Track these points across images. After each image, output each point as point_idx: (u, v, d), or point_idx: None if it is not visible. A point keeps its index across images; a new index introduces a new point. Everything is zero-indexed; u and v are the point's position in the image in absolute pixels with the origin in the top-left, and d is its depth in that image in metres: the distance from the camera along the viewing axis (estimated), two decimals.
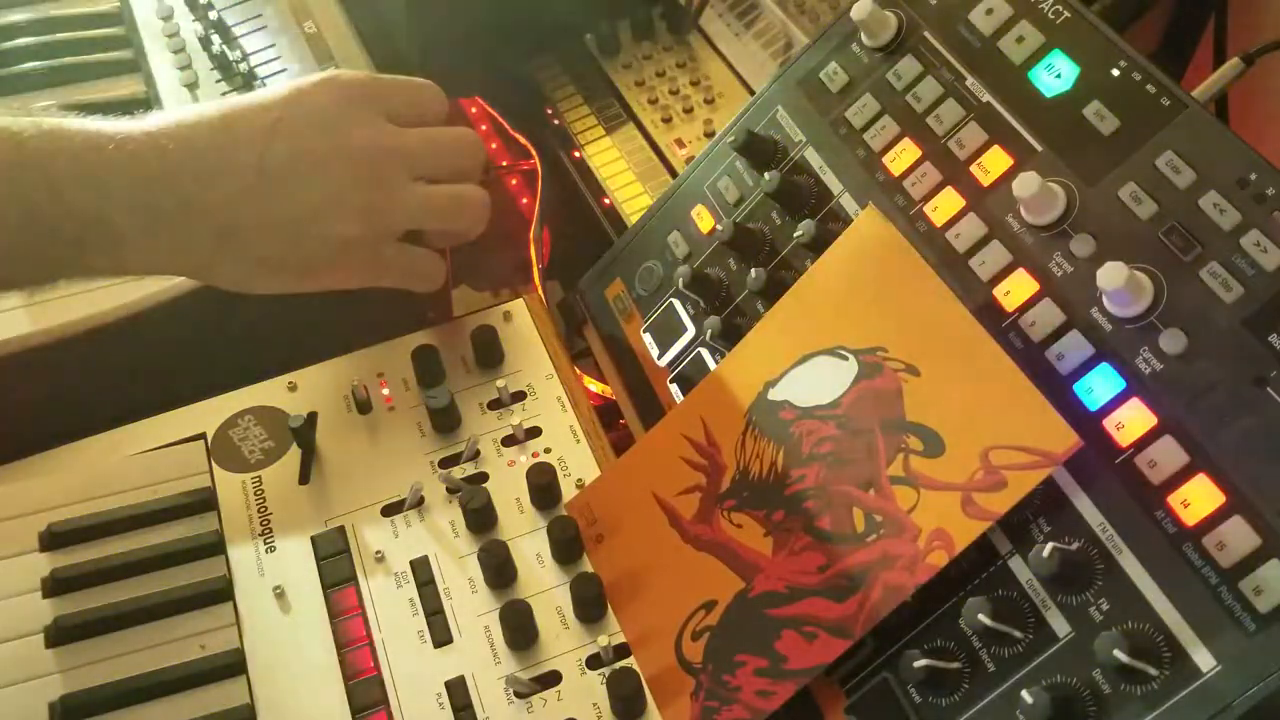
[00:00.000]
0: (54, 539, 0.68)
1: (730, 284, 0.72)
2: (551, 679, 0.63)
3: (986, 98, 0.65)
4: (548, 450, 0.72)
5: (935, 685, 0.55)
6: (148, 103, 0.90)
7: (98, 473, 0.72)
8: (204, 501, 0.70)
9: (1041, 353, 0.58)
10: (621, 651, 0.64)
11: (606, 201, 0.92)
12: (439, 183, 0.71)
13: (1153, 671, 0.49)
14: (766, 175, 0.70)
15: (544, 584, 0.66)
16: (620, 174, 0.93)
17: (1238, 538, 0.49)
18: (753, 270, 0.70)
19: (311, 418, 0.73)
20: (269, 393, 0.75)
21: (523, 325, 0.78)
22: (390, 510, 0.70)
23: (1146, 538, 0.52)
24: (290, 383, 0.76)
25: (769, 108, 0.75)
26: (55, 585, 0.66)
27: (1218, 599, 0.49)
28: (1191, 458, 0.52)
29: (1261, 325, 0.52)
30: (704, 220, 0.75)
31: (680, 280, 0.73)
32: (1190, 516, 0.51)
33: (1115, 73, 0.61)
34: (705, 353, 0.72)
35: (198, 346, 0.77)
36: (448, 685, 0.63)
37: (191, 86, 0.90)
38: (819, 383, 0.62)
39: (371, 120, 0.69)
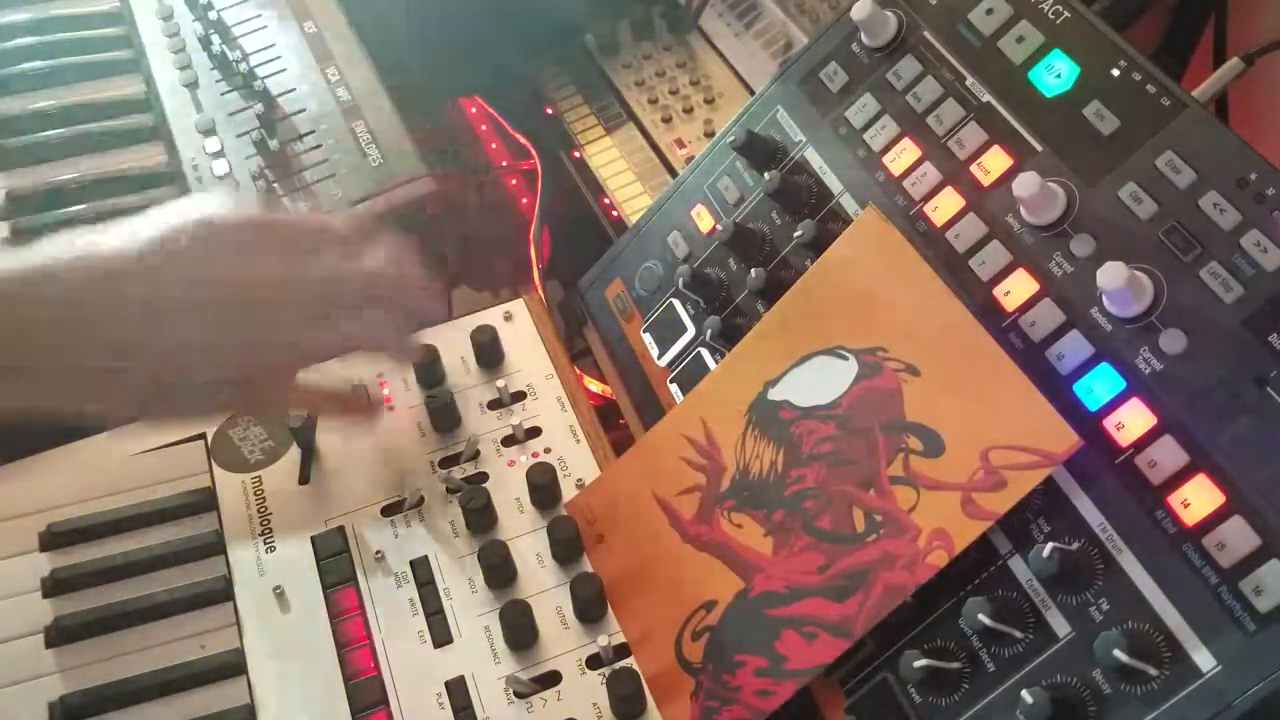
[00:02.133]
0: (54, 539, 0.68)
1: (730, 284, 0.72)
2: (551, 679, 0.63)
3: (986, 98, 0.65)
4: (548, 450, 0.72)
5: (935, 685, 0.55)
6: (147, 102, 0.90)
7: (98, 473, 0.72)
8: (204, 501, 0.71)
9: (1041, 353, 0.58)
10: (621, 651, 0.64)
11: (606, 201, 0.92)
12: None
13: (1153, 671, 0.49)
14: (766, 175, 0.70)
15: (544, 584, 0.66)
16: (620, 174, 0.93)
17: (1238, 538, 0.49)
18: (753, 270, 0.70)
19: (312, 418, 0.73)
20: None
21: (523, 325, 0.78)
22: (390, 510, 0.70)
23: (1146, 538, 0.52)
24: None
25: (769, 108, 0.75)
26: (55, 585, 0.67)
27: (1218, 599, 0.49)
28: (1191, 458, 0.52)
29: (1261, 325, 0.52)
30: (704, 220, 0.75)
31: (680, 280, 0.73)
32: (1190, 516, 0.51)
33: (1115, 73, 0.61)
34: (705, 353, 0.72)
35: None
36: (448, 685, 0.63)
37: (191, 86, 0.90)
38: (819, 383, 0.62)
39: (265, 252, 0.60)
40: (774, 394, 0.64)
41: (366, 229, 0.66)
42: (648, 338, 0.76)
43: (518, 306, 0.79)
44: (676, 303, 0.75)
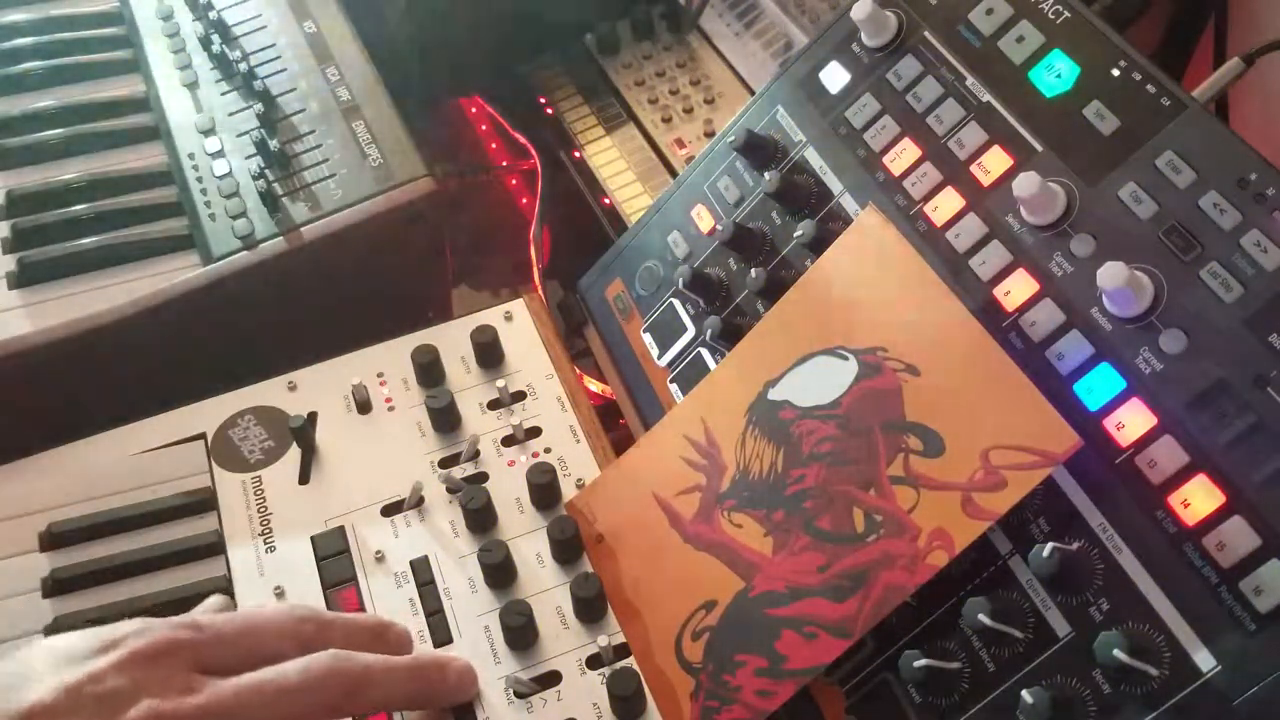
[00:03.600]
0: (54, 539, 0.68)
1: (730, 284, 0.72)
2: (551, 679, 0.63)
3: (986, 98, 0.65)
4: (548, 450, 0.72)
5: (935, 685, 0.55)
6: (147, 102, 0.90)
7: (98, 473, 0.72)
8: (204, 501, 0.70)
9: (1041, 353, 0.58)
10: (621, 651, 0.64)
11: (606, 201, 0.92)
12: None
13: (1153, 671, 0.49)
14: (766, 175, 0.70)
15: (544, 584, 0.66)
16: (620, 174, 0.93)
17: (1238, 538, 0.49)
18: (753, 270, 0.70)
19: (311, 418, 0.73)
20: (269, 393, 0.75)
21: (523, 325, 0.78)
22: (390, 510, 0.70)
23: (1146, 538, 0.52)
24: (290, 383, 0.76)
25: (769, 108, 0.75)
26: (55, 585, 0.66)
27: (1218, 599, 0.49)
28: (1191, 458, 0.52)
29: (1261, 325, 0.52)
30: (704, 220, 0.75)
31: (680, 280, 0.73)
32: (1190, 516, 0.51)
33: (1115, 73, 0.61)
34: (705, 353, 0.72)
35: (198, 346, 0.77)
36: None
37: (191, 86, 0.90)
38: (819, 383, 0.62)
39: (163, 682, 0.52)
40: (774, 394, 0.64)
41: None
42: (648, 338, 0.76)
43: (518, 306, 0.79)
44: (676, 303, 0.75)
